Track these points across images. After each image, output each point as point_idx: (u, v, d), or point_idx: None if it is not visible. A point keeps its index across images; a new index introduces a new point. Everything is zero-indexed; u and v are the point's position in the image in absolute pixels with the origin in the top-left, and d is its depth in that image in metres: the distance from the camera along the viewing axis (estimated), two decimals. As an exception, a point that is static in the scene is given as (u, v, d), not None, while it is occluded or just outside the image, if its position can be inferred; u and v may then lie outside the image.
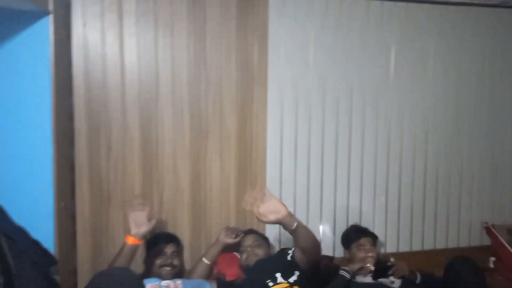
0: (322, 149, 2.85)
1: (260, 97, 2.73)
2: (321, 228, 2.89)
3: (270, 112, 2.75)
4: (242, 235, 2.61)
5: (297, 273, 2.25)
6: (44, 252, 1.82)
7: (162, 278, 2.34)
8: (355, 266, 2.50)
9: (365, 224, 2.86)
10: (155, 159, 2.61)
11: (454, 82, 3.04)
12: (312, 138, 2.83)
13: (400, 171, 2.98)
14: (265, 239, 2.66)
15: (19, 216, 1.83)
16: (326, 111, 2.85)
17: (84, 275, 2.54)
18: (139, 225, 2.14)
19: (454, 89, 3.05)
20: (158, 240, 2.47)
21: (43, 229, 2.00)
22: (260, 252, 2.48)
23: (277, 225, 2.81)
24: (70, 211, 2.44)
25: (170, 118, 2.61)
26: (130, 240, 2.11)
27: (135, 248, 2.13)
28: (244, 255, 2.50)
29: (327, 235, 2.89)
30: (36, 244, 1.77)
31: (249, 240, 2.56)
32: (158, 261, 2.39)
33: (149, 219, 2.17)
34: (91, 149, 2.51)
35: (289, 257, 2.33)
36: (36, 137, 2.02)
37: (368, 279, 2.49)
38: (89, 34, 2.47)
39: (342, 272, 2.36)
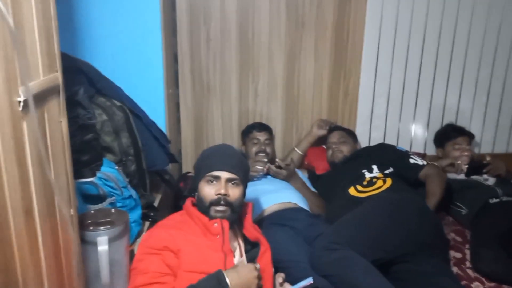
0: (423, 42, 2.70)
1: (361, -15, 2.59)
2: (413, 126, 2.85)
3: (370, 2, 2.61)
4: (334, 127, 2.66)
5: (391, 169, 2.30)
6: (161, 131, 2.02)
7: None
8: (445, 162, 2.49)
9: (461, 123, 2.78)
10: (251, 50, 2.65)
11: None
12: (413, 29, 2.67)
13: (506, 69, 2.77)
14: (352, 135, 2.66)
15: (137, 101, 2.01)
16: (431, 1, 2.64)
17: (187, 158, 2.80)
18: None
19: None
20: (253, 129, 2.60)
21: (156, 113, 2.19)
22: (346, 149, 2.50)
23: (368, 121, 2.85)
24: (175, 99, 2.63)
25: (266, 8, 2.58)
26: None
27: None
28: (330, 152, 2.55)
29: (419, 132, 2.86)
30: (154, 123, 1.96)
31: (334, 137, 2.58)
32: (254, 149, 2.53)
33: None
34: (191, 39, 2.59)
35: (411, 161, 2.28)
36: (147, 28, 2.12)
37: (461, 177, 2.49)
38: None
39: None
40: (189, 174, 2.64)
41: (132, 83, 2.06)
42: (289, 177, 2.29)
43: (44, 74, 0.86)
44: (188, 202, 1.59)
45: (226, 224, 1.47)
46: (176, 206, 2.42)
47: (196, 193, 1.59)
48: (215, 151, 1.64)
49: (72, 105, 1.41)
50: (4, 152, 0.71)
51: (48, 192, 0.88)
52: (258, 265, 1.38)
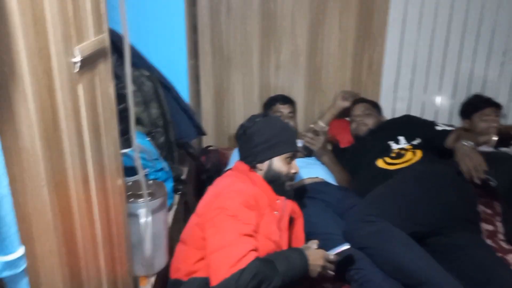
0: (451, 10, 2.60)
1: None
2: (439, 97, 2.78)
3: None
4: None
5: (419, 140, 2.24)
6: (187, 103, 1.97)
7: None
8: (482, 139, 2.42)
9: (488, 94, 2.70)
10: (273, 20, 2.56)
11: None
12: (441, -4, 2.57)
13: (538, 36, 2.68)
14: (376, 107, 2.58)
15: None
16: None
17: (207, 132, 2.74)
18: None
19: None
20: (276, 101, 2.54)
21: (179, 85, 2.13)
22: (370, 122, 2.43)
23: (392, 92, 2.77)
24: (195, 70, 2.56)
25: (289, -24, 2.49)
26: None
27: None
28: (354, 125, 2.49)
29: (445, 104, 2.79)
30: (180, 95, 1.90)
31: (359, 109, 2.50)
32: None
33: None
34: (211, 9, 2.51)
35: (438, 128, 2.16)
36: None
37: (489, 149, 2.43)
38: None
39: (464, 143, 2.30)
40: (210, 148, 2.59)
41: (153, 54, 2.00)
42: (324, 148, 2.23)
43: (95, 34, 0.81)
44: (249, 170, 1.52)
45: (289, 203, 1.51)
46: (198, 180, 2.39)
47: (262, 165, 1.52)
48: (288, 127, 1.62)
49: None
50: (65, 116, 0.67)
51: (101, 160, 0.84)
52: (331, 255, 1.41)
